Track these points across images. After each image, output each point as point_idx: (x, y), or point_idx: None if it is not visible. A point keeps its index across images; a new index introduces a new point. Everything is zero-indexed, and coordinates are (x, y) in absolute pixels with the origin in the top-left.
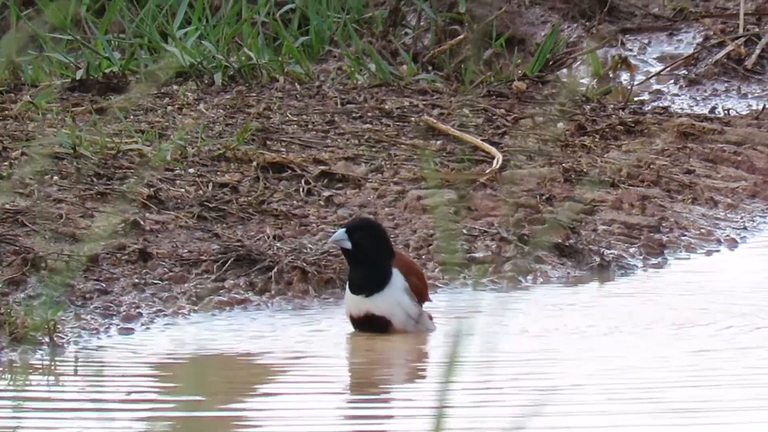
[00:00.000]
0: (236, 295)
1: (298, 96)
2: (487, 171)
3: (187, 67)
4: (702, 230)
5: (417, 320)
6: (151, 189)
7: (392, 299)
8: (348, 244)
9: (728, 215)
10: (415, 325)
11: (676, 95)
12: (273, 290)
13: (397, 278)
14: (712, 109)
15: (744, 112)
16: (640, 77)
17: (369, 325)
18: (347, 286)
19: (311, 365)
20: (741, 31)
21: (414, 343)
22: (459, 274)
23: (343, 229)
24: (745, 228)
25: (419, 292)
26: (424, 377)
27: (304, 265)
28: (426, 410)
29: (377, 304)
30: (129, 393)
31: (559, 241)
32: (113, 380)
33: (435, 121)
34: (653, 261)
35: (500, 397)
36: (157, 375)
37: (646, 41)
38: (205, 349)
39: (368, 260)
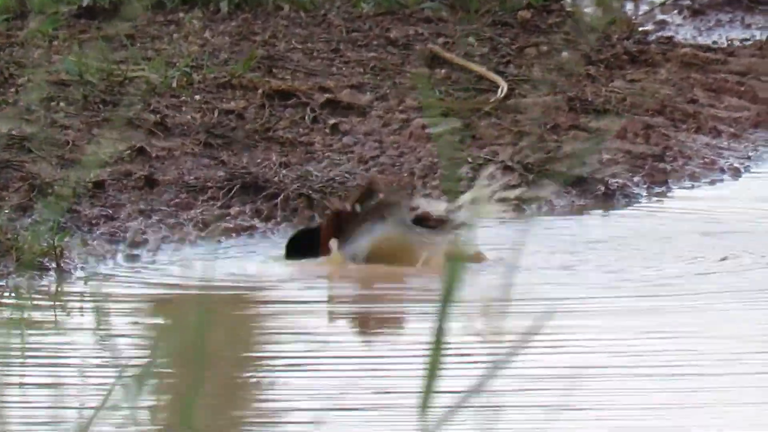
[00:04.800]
0: (242, 222)
1: (303, 24)
2: (492, 100)
3: None
4: (706, 159)
5: None
6: (157, 115)
7: None
8: None
9: (731, 145)
10: None
11: (680, 25)
12: (279, 217)
13: None
14: (716, 40)
15: (748, 43)
16: (644, 7)
17: None
18: None
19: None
20: None
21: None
22: None
23: None
24: (748, 157)
25: None
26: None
27: (310, 192)
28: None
29: None
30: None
31: (564, 170)
32: (119, 307)
33: (440, 49)
34: (657, 190)
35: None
36: (164, 302)
37: None
38: (211, 277)
39: None
